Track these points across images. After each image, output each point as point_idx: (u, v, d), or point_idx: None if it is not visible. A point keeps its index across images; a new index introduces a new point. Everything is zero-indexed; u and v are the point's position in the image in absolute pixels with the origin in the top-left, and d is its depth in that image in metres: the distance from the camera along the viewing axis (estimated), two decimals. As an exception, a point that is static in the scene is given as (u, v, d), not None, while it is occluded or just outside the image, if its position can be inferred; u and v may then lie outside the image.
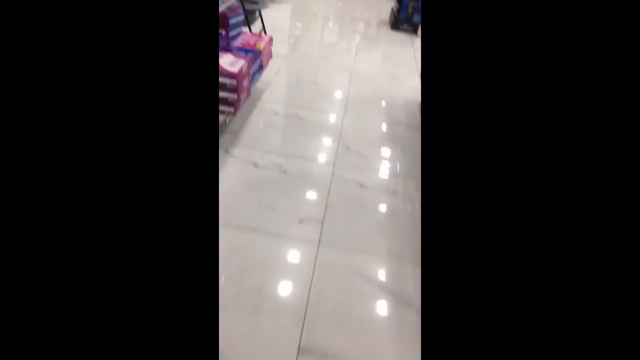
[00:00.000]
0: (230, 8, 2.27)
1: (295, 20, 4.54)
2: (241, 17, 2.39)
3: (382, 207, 1.81)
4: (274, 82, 2.87)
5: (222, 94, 1.98)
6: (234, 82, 1.93)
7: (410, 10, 4.44)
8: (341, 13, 5.19)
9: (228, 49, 2.21)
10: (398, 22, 4.55)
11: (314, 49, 3.72)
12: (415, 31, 4.55)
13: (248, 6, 2.99)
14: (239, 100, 2.02)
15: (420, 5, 4.38)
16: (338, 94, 2.87)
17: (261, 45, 2.40)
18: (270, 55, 2.63)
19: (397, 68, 3.51)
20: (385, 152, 2.26)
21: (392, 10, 4.85)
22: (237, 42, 2.36)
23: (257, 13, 3.36)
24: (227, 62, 1.99)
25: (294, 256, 1.50)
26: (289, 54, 3.42)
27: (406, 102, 2.88)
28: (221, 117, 2.22)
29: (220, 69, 1.91)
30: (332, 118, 2.53)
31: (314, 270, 1.45)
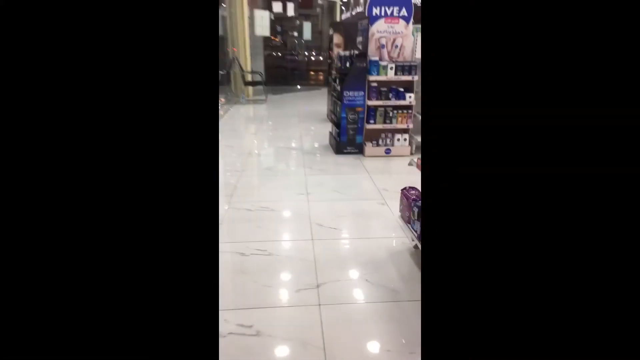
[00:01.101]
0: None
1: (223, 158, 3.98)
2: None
3: None
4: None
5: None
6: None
7: (350, 132, 4.14)
8: (275, 142, 4.82)
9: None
10: (341, 146, 4.19)
11: (253, 195, 3.05)
12: (361, 152, 4.20)
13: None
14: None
15: (360, 126, 4.11)
16: (300, 267, 2.09)
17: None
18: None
19: (361, 203, 2.92)
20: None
21: (331, 134, 4.56)
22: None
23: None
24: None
25: None
26: (225, 210, 2.70)
27: (391, 254, 2.18)
28: None
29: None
30: (299, 316, 1.69)
31: None
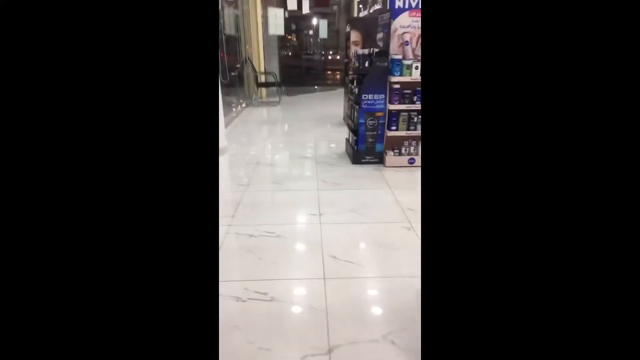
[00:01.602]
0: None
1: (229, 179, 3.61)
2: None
3: None
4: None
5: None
6: None
7: (369, 139, 3.70)
8: (287, 149, 4.43)
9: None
10: (359, 155, 3.76)
11: (257, 216, 2.66)
12: (381, 162, 3.75)
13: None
14: None
15: (381, 132, 3.67)
16: (308, 320, 1.68)
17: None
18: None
19: (383, 227, 2.49)
20: None
21: (348, 141, 4.13)
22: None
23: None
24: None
25: None
26: (225, 234, 2.32)
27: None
28: None
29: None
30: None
31: None
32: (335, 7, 10.13)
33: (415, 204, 2.79)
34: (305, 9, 8.97)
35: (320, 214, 2.67)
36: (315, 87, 9.87)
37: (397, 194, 3.03)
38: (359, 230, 2.45)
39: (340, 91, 7.64)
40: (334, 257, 2.11)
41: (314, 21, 10.15)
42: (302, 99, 8.52)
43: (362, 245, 2.27)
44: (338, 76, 10.35)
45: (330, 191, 3.13)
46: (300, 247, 2.28)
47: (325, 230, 2.44)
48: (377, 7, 4.93)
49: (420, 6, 3.50)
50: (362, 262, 2.09)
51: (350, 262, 2.08)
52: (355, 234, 2.40)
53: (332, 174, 3.57)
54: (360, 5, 10.28)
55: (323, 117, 6.37)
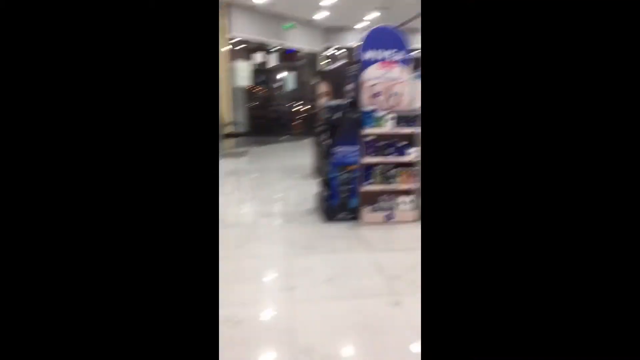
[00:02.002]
0: None
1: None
2: None
3: None
4: None
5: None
6: None
7: (343, 194, 3.41)
8: (253, 206, 4.03)
9: None
10: (332, 212, 3.44)
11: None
12: (357, 218, 3.44)
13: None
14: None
15: (354, 186, 3.39)
16: None
17: None
18: None
19: (365, 304, 2.10)
20: None
21: (320, 197, 3.82)
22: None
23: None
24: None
25: None
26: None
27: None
28: None
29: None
30: None
31: None
32: (302, 61, 10.37)
33: (400, 270, 2.45)
34: (272, 63, 9.06)
35: (291, 288, 2.26)
36: (283, 137, 9.75)
37: (377, 257, 2.69)
38: (337, 310, 2.04)
39: (308, 141, 7.49)
40: (309, 351, 1.69)
41: (282, 74, 10.27)
42: (270, 149, 8.29)
43: (342, 329, 1.86)
44: (305, 127, 10.36)
45: (302, 257, 2.73)
46: (267, 336, 1.83)
47: (298, 311, 2.02)
48: (344, 61, 4.93)
49: (390, 58, 3.42)
50: (343, 356, 1.68)
51: (328, 356, 1.66)
52: (333, 314, 2.00)
53: (303, 234, 3.20)
54: (328, 60, 10.59)
55: (291, 168, 6.10)
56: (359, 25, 10.04)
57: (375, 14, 8.72)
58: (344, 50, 10.72)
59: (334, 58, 10.78)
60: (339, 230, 3.27)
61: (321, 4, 7.84)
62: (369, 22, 9.63)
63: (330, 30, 10.42)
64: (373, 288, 2.26)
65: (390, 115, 3.25)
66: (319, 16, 8.95)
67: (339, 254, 2.79)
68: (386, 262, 2.59)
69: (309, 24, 9.75)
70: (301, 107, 10.30)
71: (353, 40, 10.50)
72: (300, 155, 7.11)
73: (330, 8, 8.19)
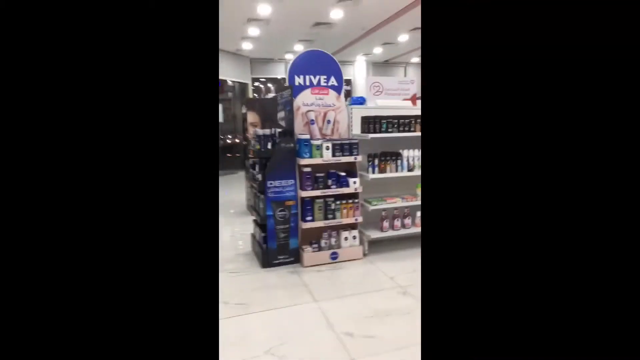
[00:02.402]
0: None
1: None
2: None
3: None
4: None
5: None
6: None
7: (281, 235, 2.99)
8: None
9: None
10: (270, 256, 2.99)
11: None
12: (298, 260, 3.03)
13: None
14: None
15: (293, 225, 3.00)
16: None
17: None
18: None
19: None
20: None
21: (254, 238, 3.35)
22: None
23: None
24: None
25: None
26: None
27: None
28: None
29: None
30: None
31: None
32: (230, 94, 9.98)
33: (352, 325, 2.07)
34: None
35: (220, 368, 1.75)
36: (214, 172, 9.13)
37: (325, 308, 2.29)
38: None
39: (240, 175, 7.00)
40: None
41: (208, 106, 9.74)
42: (198, 186, 7.59)
43: None
44: (237, 160, 9.89)
45: (236, 318, 2.23)
46: None
47: (230, 403, 1.52)
48: (273, 94, 4.67)
49: (322, 84, 3.19)
50: None
51: None
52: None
53: (237, 285, 2.69)
54: (255, 94, 10.32)
55: (223, 204, 5.54)
56: (287, 56, 10.00)
57: (299, 47, 8.74)
58: (273, 80, 10.57)
59: (262, 89, 10.56)
60: (278, 277, 2.82)
61: (245, 35, 7.62)
62: (293, 54, 9.65)
63: (258, 62, 10.23)
64: (324, 353, 1.85)
65: (327, 144, 2.98)
66: (245, 47, 8.72)
67: (280, 310, 2.33)
68: (336, 314, 2.20)
69: (236, 55, 9.47)
70: (231, 139, 9.81)
71: (280, 72, 10.43)
72: (233, 189, 6.57)
73: (255, 40, 8.02)
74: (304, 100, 3.12)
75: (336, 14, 6.32)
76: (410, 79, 3.56)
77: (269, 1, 5.71)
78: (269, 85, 10.52)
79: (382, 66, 11.17)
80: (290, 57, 10.01)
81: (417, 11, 6.42)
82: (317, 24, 7.01)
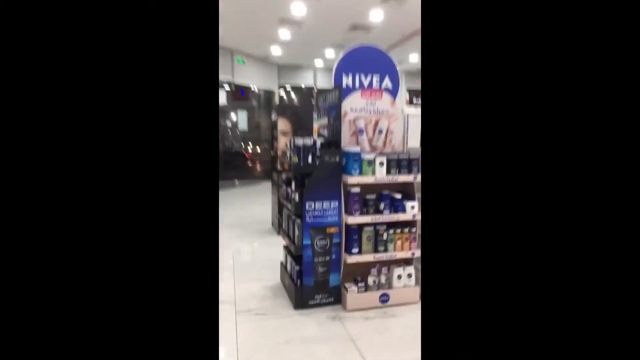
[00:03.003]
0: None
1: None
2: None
3: None
4: None
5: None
6: None
7: (320, 269, 2.42)
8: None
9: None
10: (306, 295, 2.42)
11: None
12: (339, 300, 2.45)
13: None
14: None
15: (335, 257, 2.42)
16: None
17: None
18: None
19: None
20: None
21: (285, 269, 2.78)
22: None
23: None
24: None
25: None
26: None
27: None
28: None
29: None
30: None
31: None
32: (254, 102, 9.61)
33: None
34: (222, 101, 8.16)
35: None
36: (236, 181, 8.69)
37: (385, 381, 1.69)
38: None
39: (265, 185, 6.50)
40: None
41: (232, 114, 9.39)
42: (223, 196, 7.16)
43: None
44: (259, 169, 9.46)
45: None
46: None
47: None
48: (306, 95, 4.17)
49: (375, 85, 2.64)
50: None
51: None
52: None
53: (263, 333, 2.12)
54: (285, 97, 9.91)
55: (245, 221, 5.03)
56: (317, 63, 9.56)
57: (330, 52, 8.27)
58: (296, 90, 10.15)
59: (291, 95, 10.15)
60: (316, 323, 2.24)
61: (275, 39, 7.21)
62: (324, 61, 9.18)
63: (285, 68, 9.82)
64: None
65: (381, 159, 2.40)
66: (275, 52, 8.32)
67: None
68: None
69: (262, 61, 9.08)
70: (257, 148, 9.39)
71: (309, 80, 9.99)
72: (255, 203, 6.06)
73: (285, 45, 7.60)
74: (353, 104, 2.58)
75: (376, 15, 5.80)
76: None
77: (305, 0, 5.25)
78: (292, 94, 10.09)
79: (416, 75, 10.58)
80: (319, 63, 9.55)
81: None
82: (354, 27, 6.51)
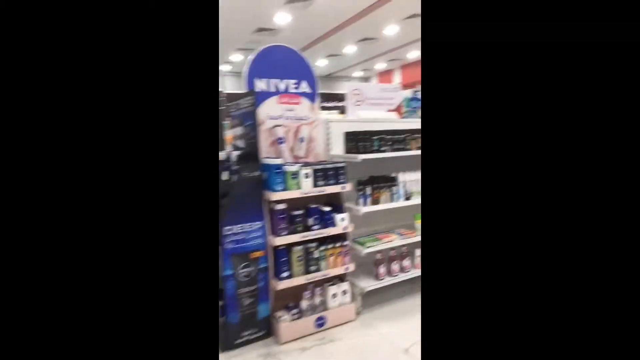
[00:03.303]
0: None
1: None
2: None
3: None
4: None
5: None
6: None
7: (246, 301, 2.10)
8: None
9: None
10: (232, 333, 2.07)
11: None
12: (271, 333, 2.16)
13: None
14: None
15: (262, 285, 2.13)
16: None
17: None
18: None
19: None
20: None
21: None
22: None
23: None
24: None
25: None
26: None
27: None
28: None
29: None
30: None
31: None
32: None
33: None
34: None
35: None
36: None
37: None
38: None
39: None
40: None
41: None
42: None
43: None
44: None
45: None
46: None
47: None
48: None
49: (292, 90, 2.42)
50: None
51: None
52: None
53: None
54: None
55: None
56: (222, 67, 9.03)
57: (238, 56, 7.88)
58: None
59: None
60: (247, 368, 1.92)
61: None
62: (231, 65, 8.73)
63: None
64: None
65: (306, 170, 2.19)
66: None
67: None
68: None
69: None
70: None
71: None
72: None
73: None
74: (269, 111, 2.32)
75: (282, 18, 5.62)
76: (393, 86, 2.94)
77: None
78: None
79: (325, 80, 10.72)
80: (226, 67, 9.05)
81: (366, 20, 6.00)
82: (260, 29, 6.24)
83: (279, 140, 2.33)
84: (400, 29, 6.66)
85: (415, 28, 6.63)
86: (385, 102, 2.85)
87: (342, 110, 4.08)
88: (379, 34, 6.91)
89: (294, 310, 2.18)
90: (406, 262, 2.56)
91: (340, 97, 7.71)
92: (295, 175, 2.15)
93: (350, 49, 7.89)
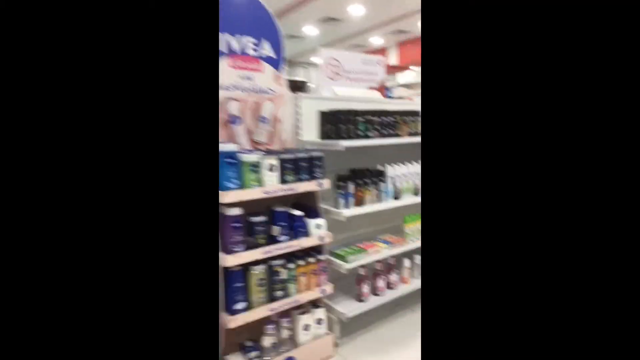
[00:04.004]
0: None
1: None
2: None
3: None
4: None
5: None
6: None
7: (184, 343, 1.47)
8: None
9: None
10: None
11: None
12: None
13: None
14: None
15: (208, 321, 1.51)
16: None
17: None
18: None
19: None
20: None
21: None
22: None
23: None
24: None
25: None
26: None
27: None
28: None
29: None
30: None
31: None
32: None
33: None
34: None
35: None
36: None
37: None
38: None
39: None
40: None
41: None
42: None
43: None
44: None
45: None
46: None
47: None
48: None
49: (249, 51, 1.79)
50: None
51: None
52: None
53: None
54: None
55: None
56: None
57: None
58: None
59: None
60: None
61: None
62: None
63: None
64: None
65: (271, 160, 1.59)
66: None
67: None
68: None
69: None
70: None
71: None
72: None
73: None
74: (219, 78, 1.67)
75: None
76: (377, 59, 2.40)
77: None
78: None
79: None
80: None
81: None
82: None
83: (232, 120, 1.70)
84: (365, 9, 6.16)
85: (383, 9, 6.15)
86: (367, 77, 2.31)
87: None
88: (344, 14, 6.36)
89: (252, 353, 1.59)
90: (393, 277, 2.06)
91: (300, 86, 7.10)
92: (255, 167, 1.54)
93: (311, 30, 7.27)
